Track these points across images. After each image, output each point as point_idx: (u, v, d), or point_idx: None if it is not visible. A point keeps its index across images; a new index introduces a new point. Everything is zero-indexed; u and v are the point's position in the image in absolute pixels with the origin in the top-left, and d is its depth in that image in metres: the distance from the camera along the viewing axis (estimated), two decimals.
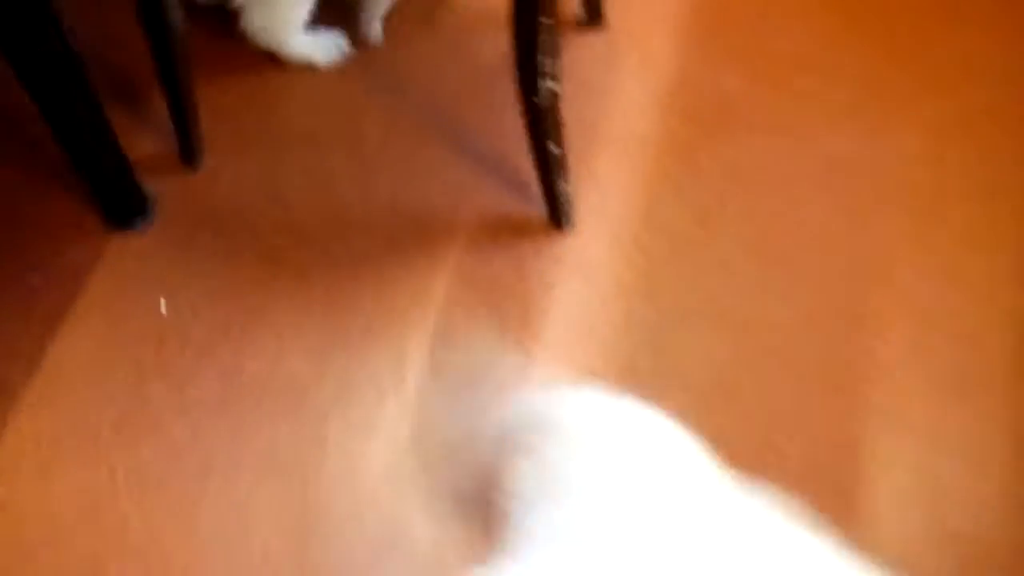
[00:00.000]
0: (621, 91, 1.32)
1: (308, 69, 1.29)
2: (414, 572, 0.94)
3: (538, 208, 1.17)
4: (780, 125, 1.29)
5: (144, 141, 1.19)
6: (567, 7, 1.34)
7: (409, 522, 0.95)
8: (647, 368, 1.09)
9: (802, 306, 1.13)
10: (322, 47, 1.28)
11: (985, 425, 1.04)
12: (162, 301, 1.08)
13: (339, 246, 1.16)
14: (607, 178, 1.24)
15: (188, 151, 1.15)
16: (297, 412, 1.03)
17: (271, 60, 1.28)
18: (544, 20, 0.84)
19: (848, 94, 1.32)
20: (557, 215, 1.15)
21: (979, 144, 1.26)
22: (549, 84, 0.91)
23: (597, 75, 1.33)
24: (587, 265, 1.17)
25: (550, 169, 1.06)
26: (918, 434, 1.03)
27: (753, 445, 1.00)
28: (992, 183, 1.23)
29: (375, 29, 1.30)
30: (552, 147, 1.01)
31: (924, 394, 1.06)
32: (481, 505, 0.55)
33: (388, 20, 1.31)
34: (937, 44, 1.36)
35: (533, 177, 1.13)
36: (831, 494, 0.98)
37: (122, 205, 1.11)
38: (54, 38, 0.93)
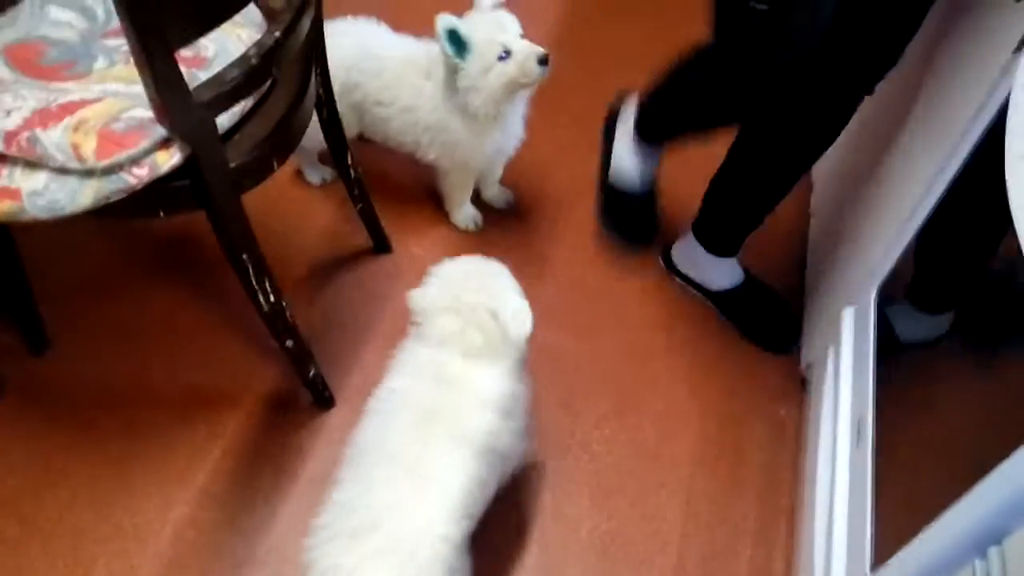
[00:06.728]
0: (397, 299, 1.65)
1: (137, 269, 1.65)
2: None
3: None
4: None
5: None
6: (361, 239, 1.73)
7: None
8: None
9: None
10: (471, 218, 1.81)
11: None
12: None
13: (143, 416, 1.45)
14: (371, 366, 1.54)
15: (34, 342, 1.49)
16: (74, 553, 1.29)
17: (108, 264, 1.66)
18: (245, 257, 1.18)
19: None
20: (315, 395, 1.45)
21: None
22: (267, 298, 1.24)
23: (380, 287, 1.68)
24: (339, 438, 1.45)
25: (294, 360, 1.37)
26: None
27: None
28: None
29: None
30: (288, 343, 1.33)
31: None
32: None
33: None
34: None
35: None
36: None
37: None
38: None
